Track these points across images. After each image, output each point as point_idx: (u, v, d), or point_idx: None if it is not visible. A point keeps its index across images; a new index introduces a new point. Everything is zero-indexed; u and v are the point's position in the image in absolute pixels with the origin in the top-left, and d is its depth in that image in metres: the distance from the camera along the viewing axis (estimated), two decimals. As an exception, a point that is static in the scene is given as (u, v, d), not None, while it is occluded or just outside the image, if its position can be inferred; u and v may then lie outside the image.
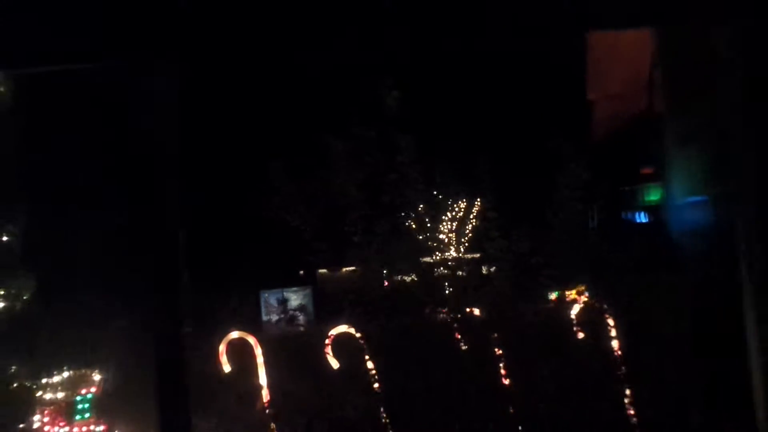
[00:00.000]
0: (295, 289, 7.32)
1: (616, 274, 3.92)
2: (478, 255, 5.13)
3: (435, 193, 4.74)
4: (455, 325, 4.60)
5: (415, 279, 4.84)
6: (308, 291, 7.05)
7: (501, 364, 4.37)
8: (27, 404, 5.33)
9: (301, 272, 7.01)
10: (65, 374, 6.82)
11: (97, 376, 6.85)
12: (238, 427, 4.39)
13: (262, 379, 4.76)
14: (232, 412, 4.48)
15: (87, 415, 6.55)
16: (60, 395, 6.48)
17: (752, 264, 2.14)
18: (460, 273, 4.91)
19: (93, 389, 6.68)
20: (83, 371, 6.83)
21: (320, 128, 4.39)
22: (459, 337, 4.59)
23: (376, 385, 4.36)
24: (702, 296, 2.79)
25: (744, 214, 2.19)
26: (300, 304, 6.69)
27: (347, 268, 4.97)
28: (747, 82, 2.14)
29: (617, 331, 4.29)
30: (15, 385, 4.88)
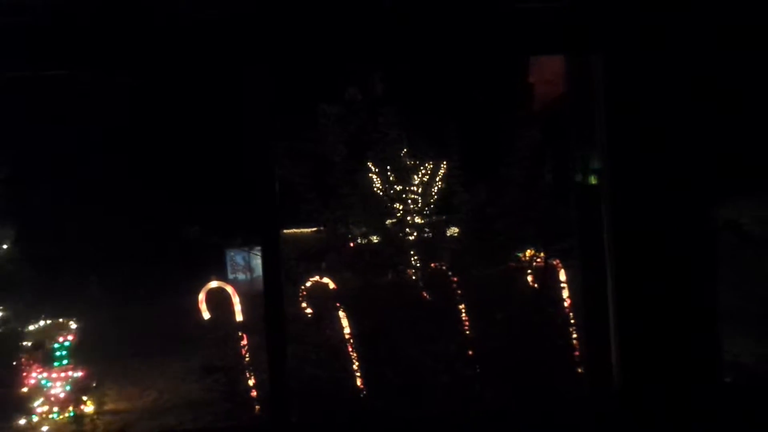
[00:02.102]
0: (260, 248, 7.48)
1: (561, 228, 4.37)
2: (443, 217, 5.54)
3: (406, 152, 5.12)
4: (419, 283, 5.01)
5: (380, 240, 5.18)
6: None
7: (462, 315, 4.80)
8: (14, 349, 5.55)
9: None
10: (42, 323, 7.01)
11: (73, 325, 7.06)
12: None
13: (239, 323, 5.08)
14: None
15: (65, 362, 6.79)
16: (38, 342, 6.68)
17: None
18: (426, 234, 5.31)
19: (70, 337, 6.90)
20: (60, 320, 7.03)
21: (312, 94, 4.81)
22: (423, 293, 4.98)
23: (347, 330, 4.74)
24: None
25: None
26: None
27: (309, 229, 5.25)
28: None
29: (566, 281, 4.77)
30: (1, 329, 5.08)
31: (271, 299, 3.07)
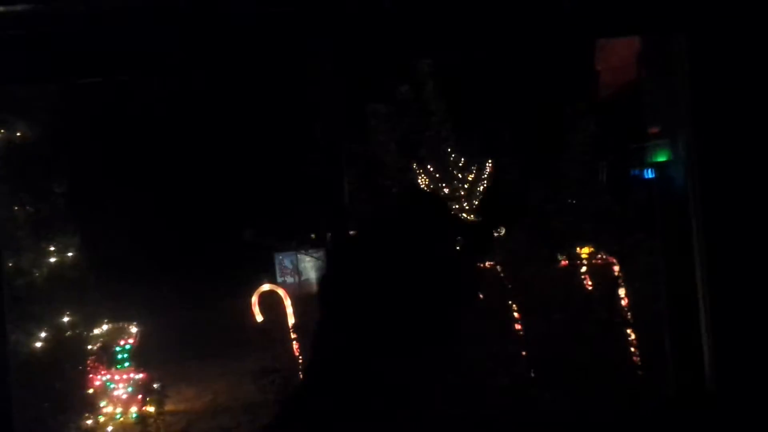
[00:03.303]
0: (310, 251, 7.38)
1: (620, 225, 4.22)
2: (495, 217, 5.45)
3: (459, 153, 5.07)
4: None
5: None
6: (321, 253, 7.34)
7: (515, 314, 4.70)
8: (80, 352, 5.77)
9: (313, 235, 7.34)
10: (105, 327, 7.28)
11: (134, 329, 7.31)
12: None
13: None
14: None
15: (126, 364, 7.03)
16: (102, 345, 6.93)
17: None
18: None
19: (131, 340, 7.14)
20: (121, 324, 7.28)
21: (361, 94, 4.82)
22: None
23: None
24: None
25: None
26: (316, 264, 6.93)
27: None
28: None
29: (624, 280, 4.61)
30: (69, 333, 5.29)
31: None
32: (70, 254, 5.71)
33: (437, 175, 5.35)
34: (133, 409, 6.72)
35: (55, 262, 5.40)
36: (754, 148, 2.29)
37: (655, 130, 2.87)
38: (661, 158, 2.92)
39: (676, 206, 2.46)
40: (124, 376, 6.91)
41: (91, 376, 6.90)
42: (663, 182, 2.56)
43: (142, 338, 7.38)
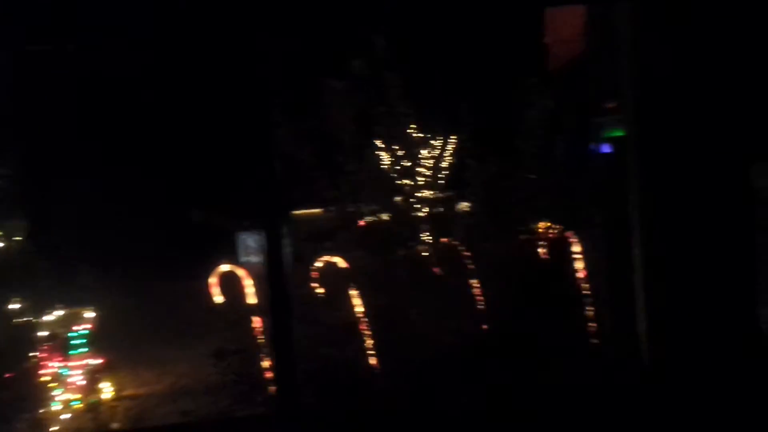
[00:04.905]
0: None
1: (575, 200, 4.28)
2: (453, 193, 5.45)
3: (415, 128, 5.03)
4: (432, 258, 4.95)
5: (390, 218, 5.11)
6: (288, 231, 7.21)
7: (475, 288, 4.74)
8: (29, 340, 5.59)
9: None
10: (58, 312, 7.05)
11: (89, 314, 7.10)
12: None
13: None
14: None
15: (83, 350, 6.84)
16: (55, 332, 6.72)
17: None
18: (437, 209, 5.24)
19: (87, 326, 6.94)
20: (76, 309, 7.07)
21: (313, 69, 4.70)
22: (435, 269, 4.93)
23: (359, 309, 4.71)
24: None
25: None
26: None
27: (320, 210, 5.18)
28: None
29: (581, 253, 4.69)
30: (17, 320, 5.10)
31: (274, 282, 3.02)
32: (17, 239, 5.49)
33: (399, 153, 5.31)
34: (91, 396, 6.56)
35: (2, 248, 5.19)
36: (696, 121, 2.32)
37: (611, 105, 2.89)
38: (617, 133, 2.95)
39: (617, 180, 2.50)
40: (81, 363, 6.73)
41: (44, 363, 6.70)
42: (614, 157, 2.58)
43: (99, 323, 7.18)
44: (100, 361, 6.76)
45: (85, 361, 6.72)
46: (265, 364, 4.67)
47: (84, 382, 6.58)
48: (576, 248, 4.79)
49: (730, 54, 2.30)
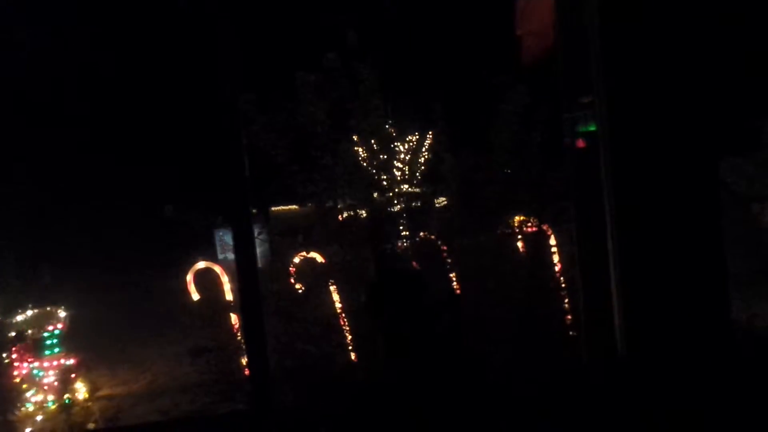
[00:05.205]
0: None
1: (550, 194, 4.32)
2: (431, 188, 5.45)
3: (391, 122, 5.01)
4: (409, 253, 4.95)
5: (368, 214, 5.08)
6: (264, 228, 7.18)
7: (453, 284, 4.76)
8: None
9: (255, 210, 7.16)
10: (29, 312, 6.93)
11: (62, 313, 6.98)
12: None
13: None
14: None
15: (56, 350, 6.72)
16: (27, 332, 6.60)
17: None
18: (414, 204, 5.23)
19: (60, 325, 6.82)
20: (48, 308, 6.95)
21: (286, 63, 4.65)
22: (414, 263, 4.92)
23: (338, 304, 4.69)
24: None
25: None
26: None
27: (296, 206, 5.14)
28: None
29: (557, 247, 4.74)
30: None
31: (244, 278, 2.99)
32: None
33: (375, 146, 5.29)
34: (66, 396, 6.46)
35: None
36: (668, 116, 2.35)
37: (585, 100, 2.91)
38: (591, 128, 2.97)
39: (591, 175, 2.52)
40: (54, 363, 6.62)
41: (17, 364, 6.58)
42: (584, 152, 2.61)
43: (74, 323, 7.07)
44: (73, 361, 6.67)
45: (58, 362, 6.62)
46: (244, 361, 4.64)
47: (58, 383, 6.48)
48: (552, 241, 4.85)
49: (700, 50, 2.34)
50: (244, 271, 2.97)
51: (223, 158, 2.77)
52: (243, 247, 2.95)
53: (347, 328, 4.61)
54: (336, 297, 4.70)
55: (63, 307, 7.00)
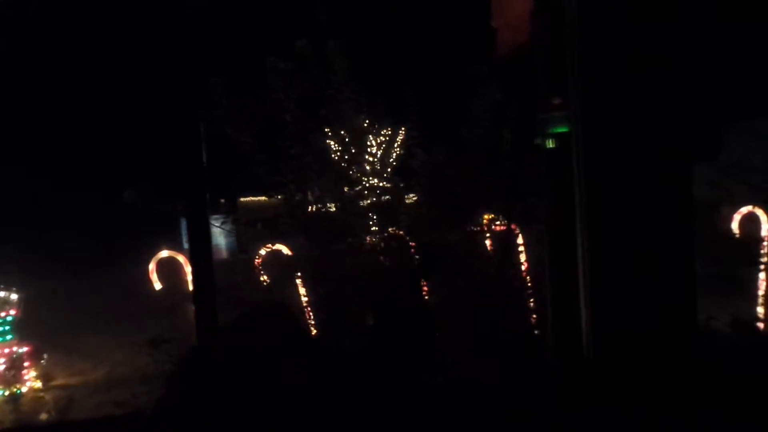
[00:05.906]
0: (216, 216, 7.21)
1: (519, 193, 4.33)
2: (401, 184, 5.42)
3: (363, 116, 4.95)
4: (378, 247, 4.91)
5: (337, 208, 5.02)
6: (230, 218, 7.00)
7: (421, 280, 4.73)
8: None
9: (222, 200, 7.03)
10: (-20, 297, 6.64)
11: (14, 296, 6.72)
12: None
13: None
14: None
15: (9, 337, 6.48)
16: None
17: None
18: (384, 198, 5.19)
19: (12, 311, 6.57)
20: (0, 293, 6.67)
21: (258, 49, 4.54)
22: (382, 257, 4.89)
23: (304, 297, 4.63)
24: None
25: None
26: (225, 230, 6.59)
27: (265, 197, 5.05)
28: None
29: (524, 246, 4.76)
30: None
31: (199, 270, 2.90)
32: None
33: (346, 139, 5.22)
34: (17, 385, 6.23)
35: None
36: (643, 117, 2.35)
37: (557, 101, 2.90)
38: (563, 129, 2.97)
39: (562, 175, 2.51)
40: (5, 350, 6.38)
41: (-34, 352, 6.33)
42: (556, 153, 2.60)
43: (28, 308, 6.81)
44: (26, 348, 6.44)
45: (10, 349, 6.38)
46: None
47: (8, 371, 6.25)
48: (520, 240, 4.86)
49: (677, 54, 2.36)
50: (197, 260, 2.89)
51: (177, 141, 2.67)
52: (198, 237, 2.86)
53: (313, 322, 4.55)
54: (302, 290, 4.64)
55: (15, 290, 6.73)
